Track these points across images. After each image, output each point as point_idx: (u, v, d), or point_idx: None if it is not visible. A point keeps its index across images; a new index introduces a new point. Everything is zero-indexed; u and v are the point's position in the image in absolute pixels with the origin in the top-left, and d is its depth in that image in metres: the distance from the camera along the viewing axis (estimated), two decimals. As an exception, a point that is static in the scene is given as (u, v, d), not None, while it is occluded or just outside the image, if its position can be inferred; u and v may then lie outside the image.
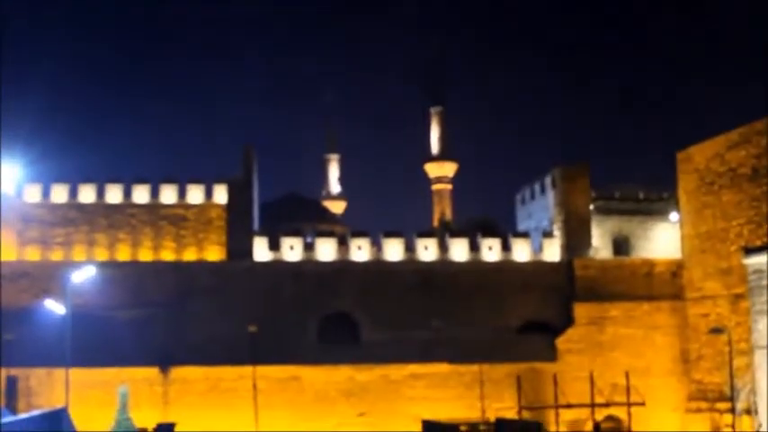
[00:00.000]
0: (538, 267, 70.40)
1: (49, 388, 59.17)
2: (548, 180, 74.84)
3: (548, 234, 72.59)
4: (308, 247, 69.95)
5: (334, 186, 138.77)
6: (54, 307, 53.61)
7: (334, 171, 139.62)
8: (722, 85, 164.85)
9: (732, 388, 57.07)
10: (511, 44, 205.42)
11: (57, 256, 68.64)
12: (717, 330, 58.85)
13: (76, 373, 51.40)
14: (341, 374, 64.65)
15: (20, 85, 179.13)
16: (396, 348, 65.46)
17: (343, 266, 68.79)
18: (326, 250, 69.47)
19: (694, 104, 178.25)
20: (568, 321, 67.99)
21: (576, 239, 71.40)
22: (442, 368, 65.51)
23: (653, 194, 77.24)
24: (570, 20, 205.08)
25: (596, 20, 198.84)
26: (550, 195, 74.12)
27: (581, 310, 68.06)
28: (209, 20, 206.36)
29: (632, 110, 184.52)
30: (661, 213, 76.08)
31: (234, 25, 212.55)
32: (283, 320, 65.70)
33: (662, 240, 74.91)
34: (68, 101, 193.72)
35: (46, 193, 70.42)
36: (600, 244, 74.11)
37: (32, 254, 68.84)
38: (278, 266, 68.42)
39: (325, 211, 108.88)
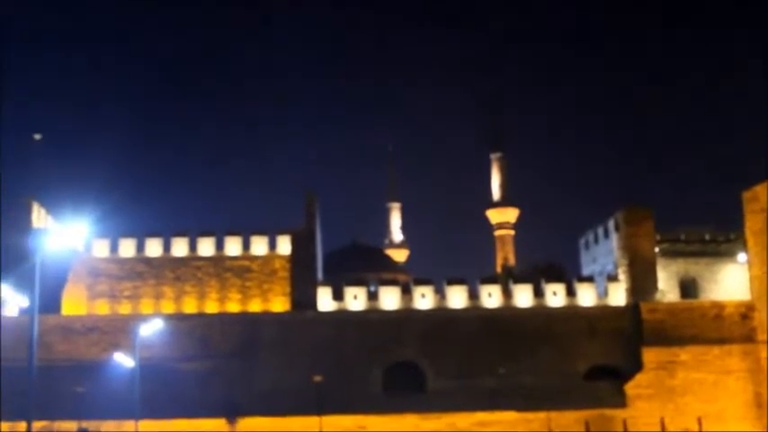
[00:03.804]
0: (603, 312, 69.55)
1: (119, 440, 59.78)
2: (611, 224, 74.19)
3: (613, 278, 71.78)
4: (372, 296, 70.08)
5: (397, 234, 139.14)
6: (123, 360, 54.41)
7: (396, 219, 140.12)
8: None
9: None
10: (570, 87, 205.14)
11: (125, 309, 69.82)
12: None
13: (145, 425, 52.01)
14: (407, 423, 64.18)
15: (89, 145, 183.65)
16: (462, 396, 64.95)
17: (407, 315, 68.73)
18: (390, 299, 69.51)
19: (759, 142, 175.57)
20: (636, 366, 66.83)
21: (642, 283, 70.46)
22: (510, 416, 64.67)
23: (719, 235, 76.00)
24: (630, 62, 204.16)
25: (655, 58, 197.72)
26: (614, 239, 73.41)
27: (650, 355, 66.89)
28: (269, 72, 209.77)
29: (695, 149, 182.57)
30: (728, 254, 74.76)
31: (294, 77, 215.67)
32: (348, 370, 65.69)
33: (730, 282, 73.50)
34: (134, 158, 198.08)
35: (114, 248, 71.83)
36: (666, 287, 73.00)
37: (101, 307, 70.10)
38: (342, 316, 68.60)
39: (388, 259, 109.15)
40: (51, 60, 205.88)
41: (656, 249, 72.31)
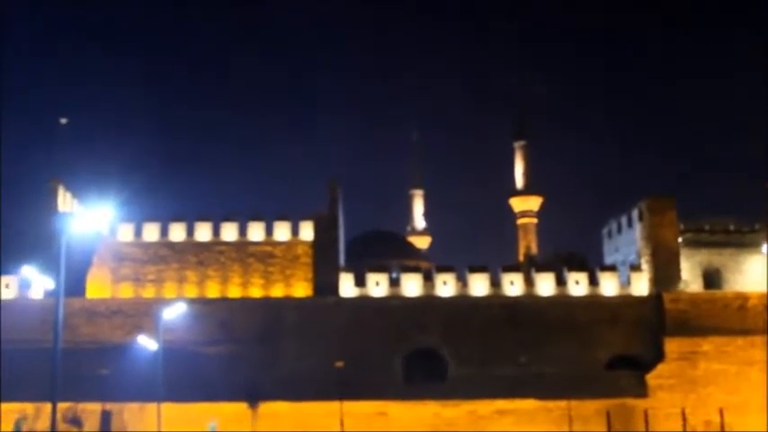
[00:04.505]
0: (626, 301, 69.36)
1: (141, 422, 60.38)
2: (634, 213, 73.85)
3: (635, 268, 71.52)
4: (394, 283, 70.21)
5: (419, 222, 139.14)
6: (146, 343, 54.86)
7: (418, 206, 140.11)
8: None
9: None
10: (595, 76, 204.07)
11: (148, 293, 70.31)
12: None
13: (168, 408, 52.44)
14: (427, 410, 64.33)
15: (114, 129, 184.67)
16: (482, 384, 64.98)
17: (428, 302, 68.83)
18: (412, 286, 69.62)
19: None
20: (658, 356, 66.66)
21: (665, 273, 70.16)
22: (530, 404, 64.65)
23: (744, 226, 75.43)
24: (655, 50, 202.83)
25: (684, 50, 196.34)
26: (637, 228, 73.10)
27: (672, 345, 66.66)
28: (293, 62, 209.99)
29: (719, 139, 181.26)
30: (753, 245, 74.19)
31: (318, 66, 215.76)
32: (369, 356, 65.91)
33: (755, 273, 73.01)
34: (159, 143, 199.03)
35: (138, 232, 72.30)
36: (690, 277, 72.62)
37: (125, 291, 70.63)
38: (364, 302, 68.79)
39: (410, 246, 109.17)
40: (78, 44, 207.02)
41: (680, 239, 71.93)
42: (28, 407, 59.18)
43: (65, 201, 72.28)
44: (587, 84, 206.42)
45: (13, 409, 59.54)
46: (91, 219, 28.35)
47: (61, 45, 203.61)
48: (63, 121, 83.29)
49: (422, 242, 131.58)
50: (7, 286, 68.24)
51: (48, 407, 54.79)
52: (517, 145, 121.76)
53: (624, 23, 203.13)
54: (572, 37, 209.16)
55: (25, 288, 68.14)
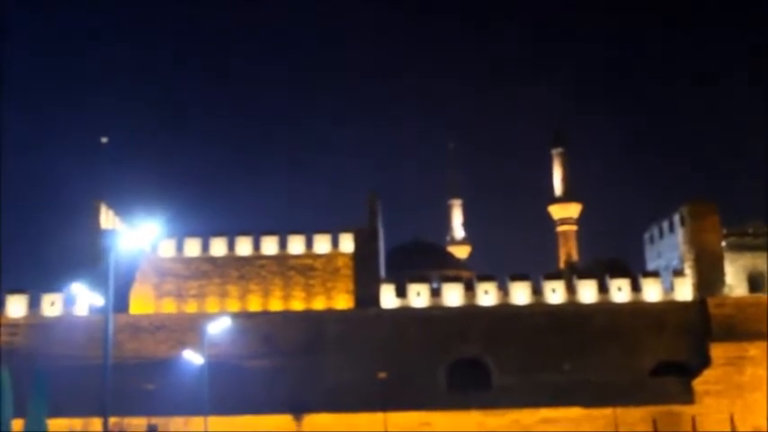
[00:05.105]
0: (670, 307, 68.73)
1: (187, 436, 60.70)
2: (676, 218, 73.19)
3: (678, 273, 70.87)
4: (435, 293, 70.14)
5: (458, 231, 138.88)
6: (192, 357, 55.24)
7: (457, 216, 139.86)
8: None
9: None
10: (636, 80, 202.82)
11: (191, 307, 70.89)
12: None
13: (213, 422, 52.72)
14: (471, 420, 64.14)
15: (154, 147, 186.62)
16: (526, 393, 64.68)
17: (470, 311, 68.68)
18: (453, 295, 69.51)
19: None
20: (703, 362, 65.91)
21: (709, 278, 69.47)
22: (575, 412, 64.21)
23: (788, 228, 74.40)
24: (695, 52, 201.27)
25: (722, 51, 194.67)
26: (679, 233, 72.43)
27: (717, 351, 65.87)
28: (333, 71, 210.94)
29: (761, 142, 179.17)
30: (798, 248, 73.15)
31: (356, 78, 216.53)
32: (412, 366, 65.87)
33: (801, 276, 71.99)
34: (199, 159, 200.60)
35: (180, 248, 72.96)
36: (734, 281, 71.78)
37: (168, 306, 71.26)
38: (405, 313, 68.80)
39: (450, 256, 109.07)
40: (119, 61, 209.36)
41: (723, 243, 71.18)
42: (75, 423, 59.79)
43: (107, 219, 73.12)
44: (627, 88, 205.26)
45: (61, 425, 60.12)
46: (137, 236, 28.68)
47: (102, 66, 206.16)
48: (104, 140, 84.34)
49: (461, 252, 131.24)
50: (52, 304, 69.09)
51: (95, 422, 55.53)
52: (555, 152, 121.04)
53: (664, 22, 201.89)
54: (614, 38, 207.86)
55: (70, 305, 68.90)
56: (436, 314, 68.53)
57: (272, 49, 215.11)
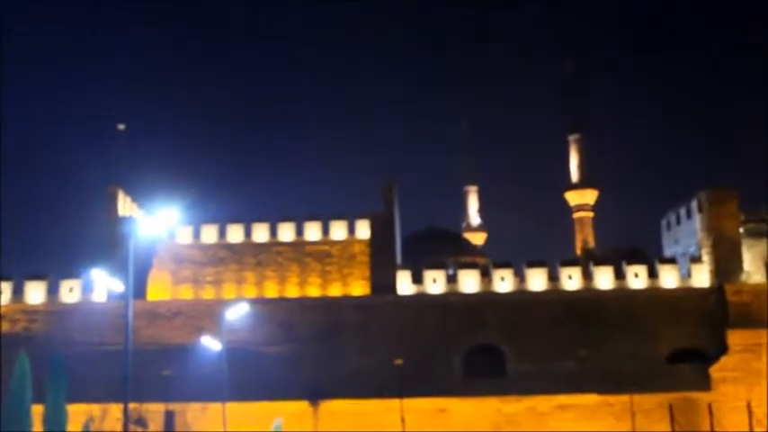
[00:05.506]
0: (687, 294, 68.53)
1: (204, 422, 61.05)
2: (694, 204, 72.79)
3: (696, 259, 70.60)
4: (451, 280, 70.17)
5: (474, 218, 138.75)
6: (210, 344, 55.49)
7: (473, 203, 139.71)
8: None
9: None
10: (652, 66, 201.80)
11: (208, 294, 71.14)
12: None
13: (231, 408, 52.96)
14: (488, 406, 64.17)
15: (170, 133, 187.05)
16: (542, 379, 64.69)
17: (486, 298, 68.69)
18: (469, 282, 69.52)
19: None
20: (721, 349, 65.69)
21: (727, 264, 69.17)
22: (591, 399, 64.18)
23: (807, 215, 73.95)
24: (713, 37, 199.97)
25: (741, 37, 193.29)
26: (697, 219, 72.07)
27: (735, 337, 65.62)
28: (349, 58, 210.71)
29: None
30: (816, 234, 72.70)
31: (370, 62, 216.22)
32: (429, 353, 66.00)
33: (819, 262, 71.60)
34: (216, 146, 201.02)
35: (197, 234, 73.20)
36: (752, 268, 71.40)
37: (185, 292, 71.54)
38: (422, 299, 68.88)
39: (466, 242, 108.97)
40: (136, 48, 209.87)
41: (741, 230, 70.82)
42: (94, 408, 60.13)
43: (125, 206, 73.44)
44: (644, 74, 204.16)
45: (80, 411, 60.52)
46: (156, 222, 28.81)
47: (118, 52, 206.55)
48: (121, 126, 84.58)
49: (477, 238, 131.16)
50: (71, 290, 69.47)
51: (113, 408, 55.84)
52: (571, 138, 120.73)
53: (685, 12, 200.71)
54: (631, 24, 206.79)
55: (88, 292, 69.22)
56: (452, 301, 68.59)
57: (286, 35, 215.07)
